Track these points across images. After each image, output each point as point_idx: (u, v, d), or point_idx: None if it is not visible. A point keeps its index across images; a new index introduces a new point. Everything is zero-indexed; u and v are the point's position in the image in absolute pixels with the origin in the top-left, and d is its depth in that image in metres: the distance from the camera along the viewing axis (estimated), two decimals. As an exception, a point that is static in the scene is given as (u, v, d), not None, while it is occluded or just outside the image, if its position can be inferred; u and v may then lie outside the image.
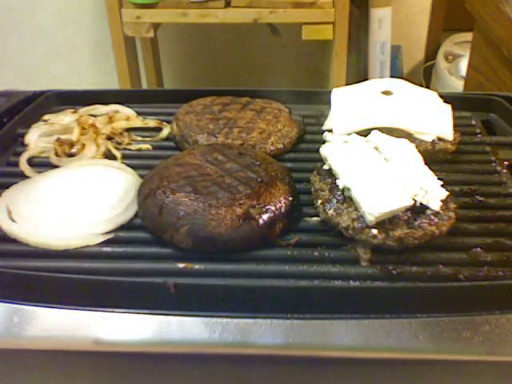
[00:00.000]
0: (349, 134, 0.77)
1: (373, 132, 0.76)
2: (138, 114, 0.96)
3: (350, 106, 0.86)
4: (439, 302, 0.59)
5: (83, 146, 0.85)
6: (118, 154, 0.85)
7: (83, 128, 0.88)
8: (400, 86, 0.89)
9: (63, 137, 0.86)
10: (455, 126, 0.85)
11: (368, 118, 0.82)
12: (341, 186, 0.68)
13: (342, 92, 0.90)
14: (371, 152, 0.71)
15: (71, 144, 0.85)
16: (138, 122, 0.93)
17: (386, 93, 0.88)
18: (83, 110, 0.95)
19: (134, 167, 0.81)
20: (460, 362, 0.58)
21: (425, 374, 0.61)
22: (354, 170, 0.68)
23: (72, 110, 0.95)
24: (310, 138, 0.91)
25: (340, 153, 0.72)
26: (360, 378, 0.62)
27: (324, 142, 0.79)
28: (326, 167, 0.73)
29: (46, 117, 0.93)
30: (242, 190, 0.68)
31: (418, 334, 0.57)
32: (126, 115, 0.94)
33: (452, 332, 0.57)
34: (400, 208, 0.64)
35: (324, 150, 0.74)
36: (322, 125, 0.91)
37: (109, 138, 0.89)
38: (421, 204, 0.65)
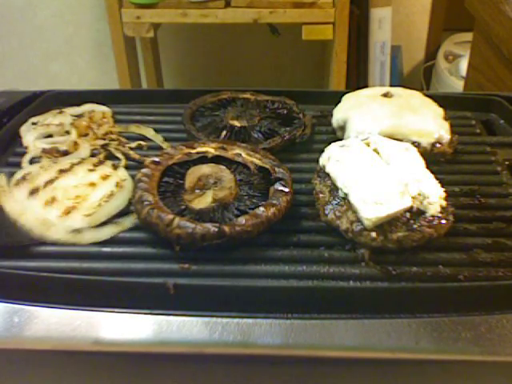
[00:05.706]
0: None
1: (372, 134, 0.76)
2: (138, 114, 0.95)
3: (362, 111, 0.85)
4: (439, 302, 0.59)
5: (77, 146, 0.84)
6: (120, 155, 0.85)
7: (80, 130, 0.88)
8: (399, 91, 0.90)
9: (59, 139, 0.86)
10: (455, 126, 0.84)
11: (378, 122, 0.81)
12: (339, 191, 0.68)
13: (353, 96, 0.90)
14: (369, 155, 0.71)
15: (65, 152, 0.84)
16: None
17: (386, 95, 0.88)
18: (71, 111, 0.94)
19: (134, 168, 0.81)
20: (460, 361, 0.58)
21: (425, 373, 0.61)
22: (351, 174, 0.68)
23: (58, 111, 0.93)
24: (310, 138, 0.90)
25: (337, 158, 0.71)
26: (360, 378, 0.62)
27: (324, 142, 0.79)
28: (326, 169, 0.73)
29: (33, 119, 0.91)
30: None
31: (418, 334, 0.57)
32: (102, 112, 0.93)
33: (452, 332, 0.57)
34: (397, 212, 0.63)
35: (322, 160, 0.74)
36: (321, 125, 0.91)
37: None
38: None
